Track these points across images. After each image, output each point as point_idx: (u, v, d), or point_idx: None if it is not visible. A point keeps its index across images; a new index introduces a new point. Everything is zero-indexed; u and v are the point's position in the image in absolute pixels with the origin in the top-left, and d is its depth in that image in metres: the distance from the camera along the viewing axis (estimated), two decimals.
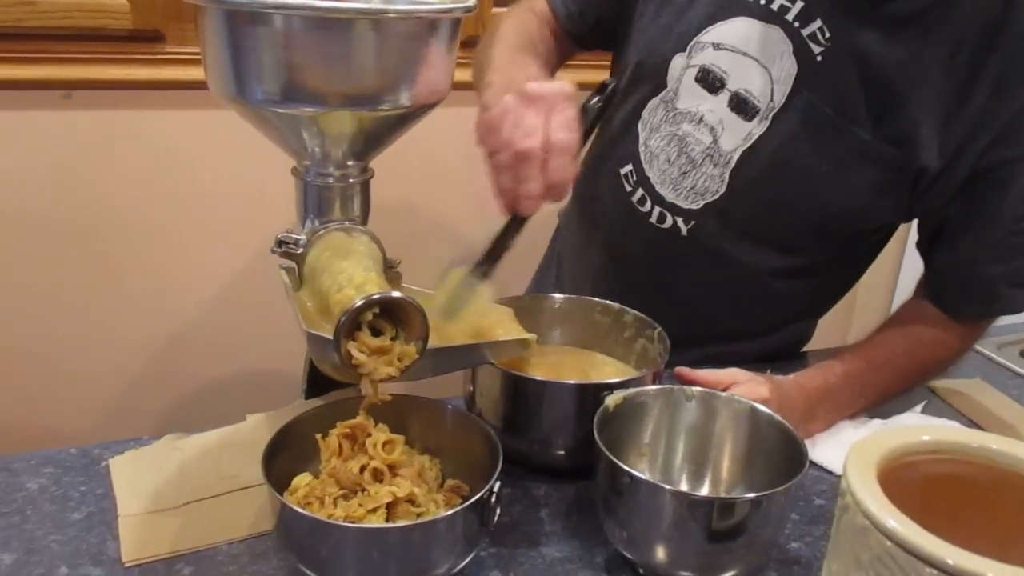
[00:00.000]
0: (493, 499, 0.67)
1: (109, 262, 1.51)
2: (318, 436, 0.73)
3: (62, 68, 1.37)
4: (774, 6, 0.92)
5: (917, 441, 0.48)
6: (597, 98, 0.80)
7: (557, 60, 1.10)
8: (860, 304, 2.12)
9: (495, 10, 1.60)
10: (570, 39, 1.10)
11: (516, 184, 0.73)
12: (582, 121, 0.75)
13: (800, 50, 0.91)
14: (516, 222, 0.76)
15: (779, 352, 1.12)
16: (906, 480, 0.46)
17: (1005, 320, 1.11)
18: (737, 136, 0.96)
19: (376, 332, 0.67)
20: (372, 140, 0.74)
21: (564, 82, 0.76)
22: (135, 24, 1.38)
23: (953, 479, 0.47)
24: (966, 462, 0.48)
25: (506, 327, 0.82)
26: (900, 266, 2.13)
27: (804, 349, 1.19)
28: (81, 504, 0.76)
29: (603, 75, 1.15)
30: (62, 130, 1.41)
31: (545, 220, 1.31)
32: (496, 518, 0.68)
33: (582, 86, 0.78)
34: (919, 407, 1.02)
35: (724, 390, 0.83)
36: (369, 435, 0.72)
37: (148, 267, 1.54)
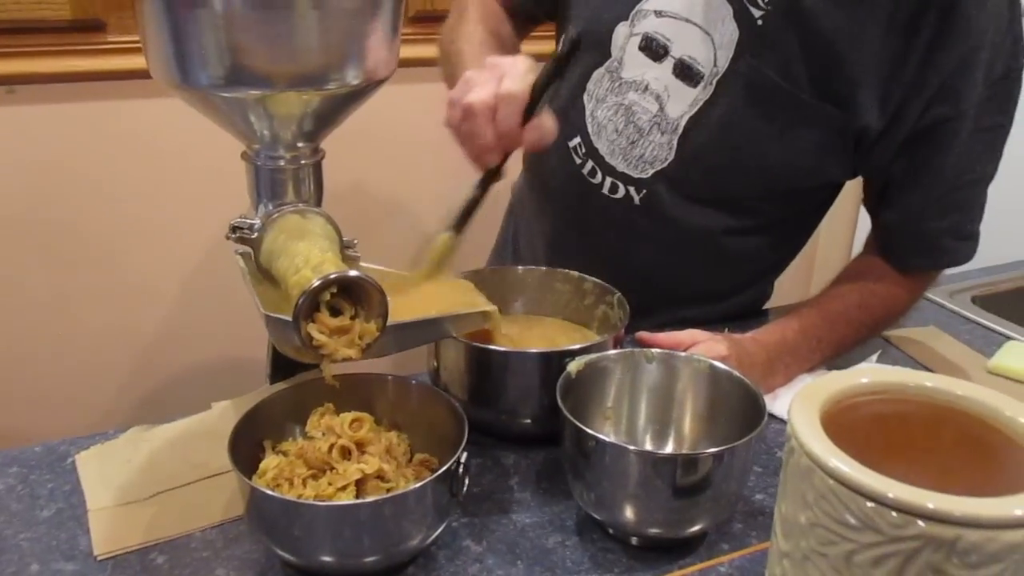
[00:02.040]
0: (461, 470, 0.68)
1: (64, 257, 1.49)
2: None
3: (3, 63, 1.35)
4: None
5: (858, 384, 0.50)
6: (556, 54, 0.82)
7: (516, 43, 1.11)
8: (819, 266, 2.15)
9: None
10: (518, 15, 1.11)
11: (473, 140, 0.77)
12: (540, 75, 0.78)
13: (741, 15, 0.92)
14: (485, 178, 0.81)
15: (740, 313, 1.13)
16: (849, 421, 0.47)
17: (956, 268, 1.14)
18: (683, 103, 0.97)
19: (336, 312, 0.68)
20: (321, 120, 0.74)
21: (520, 56, 0.80)
22: (74, 14, 1.35)
23: (894, 418, 0.49)
24: (905, 401, 0.50)
25: (468, 299, 0.83)
26: (856, 227, 2.17)
27: (765, 308, 1.21)
28: (50, 501, 0.76)
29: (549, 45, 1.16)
30: (7, 126, 1.39)
31: (499, 197, 1.32)
32: (466, 488, 0.69)
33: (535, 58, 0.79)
34: (874, 356, 1.04)
35: (684, 351, 0.84)
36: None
37: (104, 261, 1.52)
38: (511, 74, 0.76)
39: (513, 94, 0.75)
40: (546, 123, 0.78)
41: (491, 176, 0.81)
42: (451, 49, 1.00)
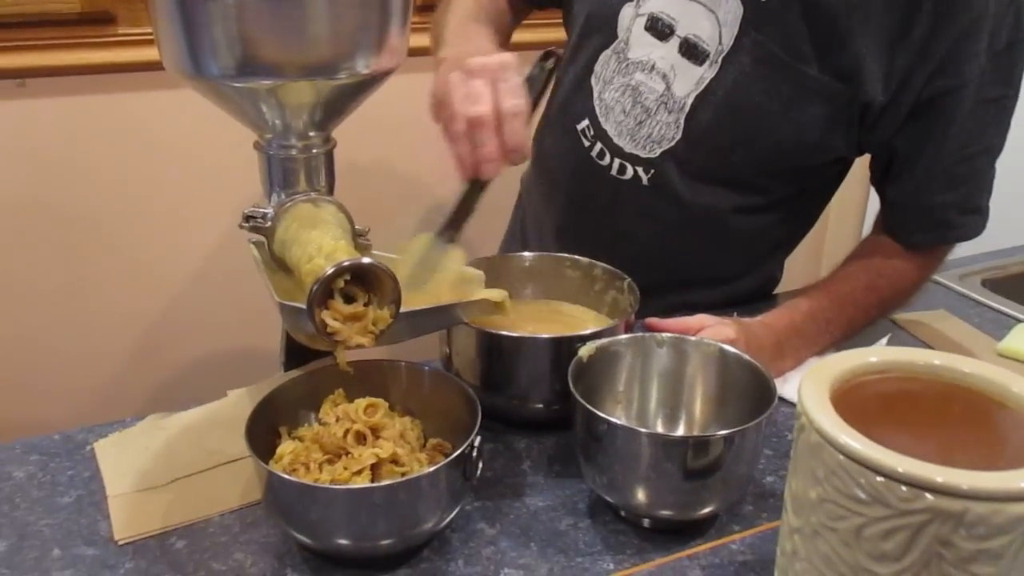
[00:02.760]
0: (474, 454, 0.69)
1: (78, 248, 1.50)
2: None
3: (14, 56, 1.36)
4: None
5: (866, 362, 0.51)
6: (539, 67, 0.82)
7: (511, 22, 1.11)
8: (828, 250, 2.15)
9: None
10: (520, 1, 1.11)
11: (474, 149, 0.76)
12: (528, 89, 0.78)
13: None
14: (477, 186, 0.79)
15: (749, 296, 1.14)
16: (859, 399, 0.48)
17: (966, 251, 1.14)
18: (689, 81, 0.97)
19: (349, 299, 0.68)
20: (332, 109, 0.75)
21: (505, 53, 0.79)
22: (84, 8, 1.36)
23: (902, 395, 0.50)
24: (913, 379, 0.51)
25: (476, 291, 0.84)
26: (865, 211, 2.16)
27: (774, 292, 1.22)
28: (70, 488, 0.77)
29: (556, 32, 1.16)
30: (18, 119, 1.40)
31: (507, 187, 1.32)
32: (479, 472, 0.69)
33: (537, 45, 0.79)
34: (884, 340, 1.05)
35: (693, 335, 0.85)
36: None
37: (118, 252, 1.53)
38: (506, 85, 0.75)
39: (517, 109, 0.75)
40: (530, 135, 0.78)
41: (483, 187, 0.79)
42: (438, 20, 1.01)
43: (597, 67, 1.03)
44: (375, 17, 0.71)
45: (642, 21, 0.99)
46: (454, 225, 0.80)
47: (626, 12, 1.00)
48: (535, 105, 0.79)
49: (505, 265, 0.98)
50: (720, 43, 0.95)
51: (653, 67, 0.99)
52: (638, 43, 1.00)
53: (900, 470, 0.42)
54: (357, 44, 0.70)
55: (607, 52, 1.02)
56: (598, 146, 1.05)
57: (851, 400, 0.48)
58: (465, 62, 0.77)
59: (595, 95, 1.04)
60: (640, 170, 1.03)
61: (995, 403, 0.48)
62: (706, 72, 0.96)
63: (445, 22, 0.99)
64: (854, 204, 2.15)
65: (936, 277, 1.19)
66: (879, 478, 0.43)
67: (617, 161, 1.04)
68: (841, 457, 0.44)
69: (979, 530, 0.41)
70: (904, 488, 0.42)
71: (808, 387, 0.48)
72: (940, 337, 1.08)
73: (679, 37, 0.97)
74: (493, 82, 0.75)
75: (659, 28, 0.98)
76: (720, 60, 0.95)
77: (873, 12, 0.89)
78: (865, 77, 0.91)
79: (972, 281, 1.26)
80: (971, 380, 0.50)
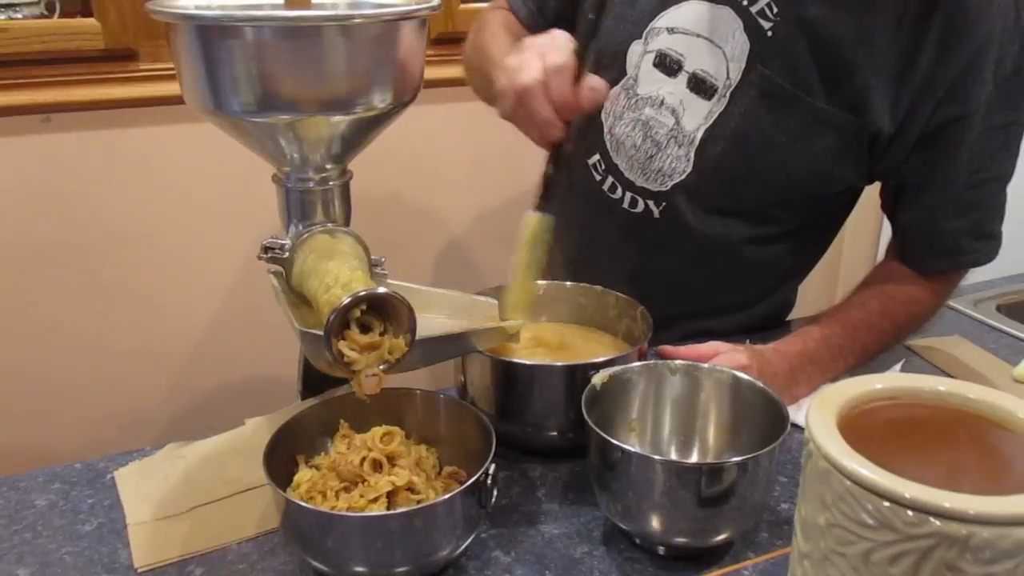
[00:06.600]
0: (489, 481, 0.69)
1: (100, 280, 1.52)
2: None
3: (39, 92, 1.39)
4: None
5: (873, 389, 0.51)
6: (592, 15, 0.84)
7: None
8: (843, 276, 2.15)
9: (463, 7, 1.62)
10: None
11: (531, 119, 0.79)
12: (579, 38, 0.81)
13: (751, 27, 0.94)
14: (556, 153, 0.83)
15: (763, 323, 1.14)
16: (866, 425, 0.49)
17: (981, 276, 1.14)
18: (698, 116, 0.99)
19: (366, 328, 0.69)
20: (349, 143, 0.76)
21: (555, 29, 0.82)
22: (107, 44, 1.40)
23: (909, 421, 0.51)
24: (920, 405, 0.51)
25: (491, 319, 0.85)
26: (880, 236, 2.16)
27: (788, 318, 1.22)
28: (90, 516, 0.78)
29: None
30: (44, 153, 1.43)
31: (519, 217, 1.33)
32: (494, 500, 0.70)
33: None
34: (898, 366, 1.05)
35: (706, 362, 0.85)
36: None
37: (138, 283, 1.55)
38: (553, 47, 0.78)
39: (561, 65, 0.77)
40: (595, 81, 0.79)
41: (559, 149, 0.82)
42: (476, 55, 1.04)
43: (606, 103, 1.05)
44: (391, 52, 0.72)
45: (650, 58, 1.00)
46: (543, 196, 0.84)
47: (634, 49, 1.02)
48: (585, 52, 0.81)
49: None
50: (728, 77, 0.96)
51: (662, 102, 1.00)
52: (647, 79, 1.01)
53: (906, 495, 0.42)
54: (373, 79, 0.72)
55: (616, 88, 1.04)
56: (609, 180, 1.06)
57: (858, 426, 0.48)
58: (518, 44, 0.81)
59: (605, 130, 1.06)
60: (651, 203, 1.04)
61: (1001, 429, 0.49)
62: (715, 106, 0.97)
63: (483, 38, 1.03)
64: (868, 229, 2.15)
65: (951, 303, 1.19)
66: (886, 503, 0.43)
67: (629, 195, 1.05)
68: (848, 483, 0.44)
69: (985, 554, 0.42)
70: (910, 513, 0.42)
71: (816, 414, 0.49)
72: (955, 363, 1.08)
73: (687, 72, 0.98)
74: (542, 53, 0.78)
75: (667, 64, 0.99)
76: (728, 94, 0.96)
77: (879, 44, 0.90)
78: (873, 108, 0.92)
79: (987, 306, 1.26)
80: (977, 406, 0.50)
